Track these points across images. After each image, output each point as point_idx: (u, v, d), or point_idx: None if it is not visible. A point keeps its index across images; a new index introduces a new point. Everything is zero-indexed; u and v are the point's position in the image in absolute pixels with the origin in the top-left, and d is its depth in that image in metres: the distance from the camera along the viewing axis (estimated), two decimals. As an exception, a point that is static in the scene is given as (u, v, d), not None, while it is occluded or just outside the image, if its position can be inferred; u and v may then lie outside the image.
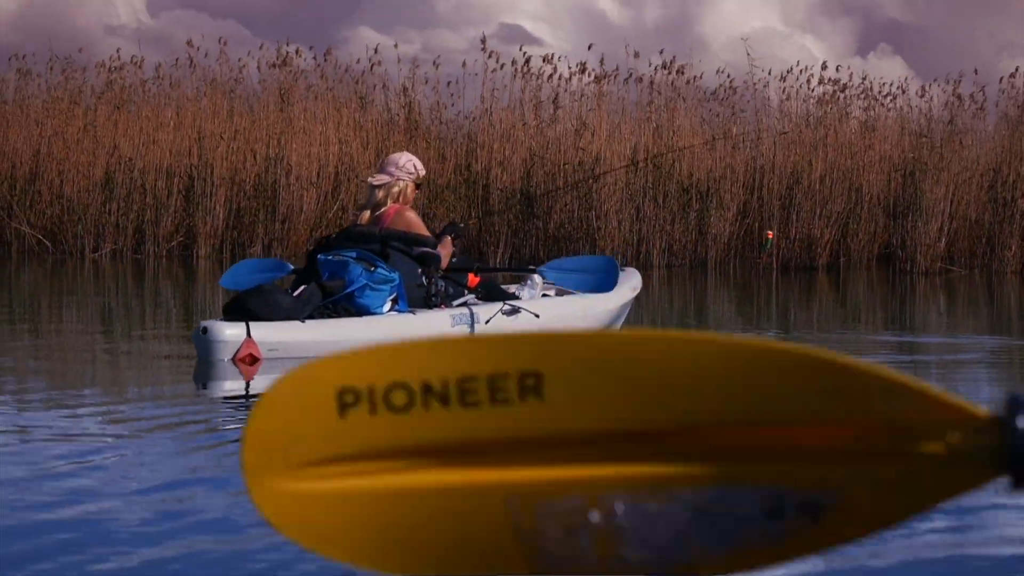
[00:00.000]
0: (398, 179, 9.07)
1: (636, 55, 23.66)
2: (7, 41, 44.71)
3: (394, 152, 9.51)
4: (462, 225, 9.56)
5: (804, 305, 16.42)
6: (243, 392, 6.99)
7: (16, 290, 16.16)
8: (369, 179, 9.21)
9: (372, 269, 8.23)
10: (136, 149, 22.55)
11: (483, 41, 23.82)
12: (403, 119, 24.41)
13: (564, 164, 22.54)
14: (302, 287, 8.13)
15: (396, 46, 25.05)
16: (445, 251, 9.17)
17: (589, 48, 24.17)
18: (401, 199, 9.06)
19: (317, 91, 23.99)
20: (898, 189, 22.59)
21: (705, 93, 23.65)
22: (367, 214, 9.03)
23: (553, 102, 23.20)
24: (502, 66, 23.60)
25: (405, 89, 24.68)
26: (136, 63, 24.21)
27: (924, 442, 1.76)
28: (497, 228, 22.72)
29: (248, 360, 7.58)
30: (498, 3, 42.55)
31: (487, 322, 8.83)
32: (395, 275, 8.35)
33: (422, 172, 9.23)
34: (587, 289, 9.17)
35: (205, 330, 7.60)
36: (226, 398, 6.90)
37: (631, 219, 22.24)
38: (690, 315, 14.37)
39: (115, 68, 24.21)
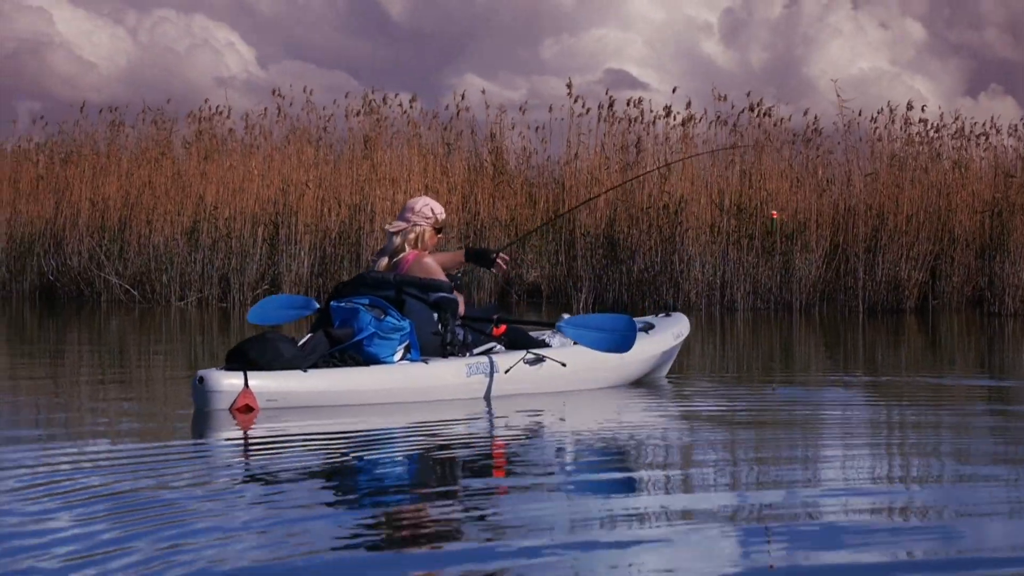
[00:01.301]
0: (415, 224, 8.93)
1: (724, 98, 23.43)
2: (120, 95, 45.51)
3: (417, 197, 9.35)
4: (459, 275, 9.18)
5: (892, 348, 16.04)
6: (238, 442, 6.83)
7: (105, 338, 16.24)
8: (387, 226, 9.07)
9: (382, 317, 8.06)
10: (222, 198, 22.72)
11: (568, 86, 23.74)
12: (490, 164, 24.39)
13: (647, 208, 22.36)
14: (308, 335, 8.00)
15: (483, 91, 25.08)
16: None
17: (673, 91, 24.05)
18: (419, 244, 8.91)
19: (405, 137, 24.03)
20: (988, 230, 22.14)
21: (793, 135, 23.34)
22: (385, 261, 8.87)
23: (635, 146, 23.04)
24: (587, 111, 23.52)
25: (492, 135, 24.68)
26: (223, 112, 24.42)
27: None
28: (580, 272, 22.58)
29: (244, 410, 7.42)
30: (604, 49, 42.50)
31: (507, 371, 8.61)
32: (405, 323, 8.15)
33: (441, 216, 9.06)
34: (603, 348, 8.85)
35: (202, 379, 7.45)
36: (208, 448, 6.76)
37: (715, 262, 22.00)
38: (776, 359, 14.08)
39: (205, 118, 24.46)
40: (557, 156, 24.34)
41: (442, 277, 8.76)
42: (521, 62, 44.72)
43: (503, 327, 8.99)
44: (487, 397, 8.53)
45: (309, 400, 7.67)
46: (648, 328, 10.20)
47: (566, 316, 9.05)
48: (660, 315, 10.90)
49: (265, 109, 24.38)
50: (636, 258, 22.30)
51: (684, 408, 8.93)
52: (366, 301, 8.17)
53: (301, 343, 7.87)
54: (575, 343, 9.07)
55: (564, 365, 8.88)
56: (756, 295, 22.12)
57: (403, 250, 8.87)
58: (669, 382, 10.16)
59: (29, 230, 24.33)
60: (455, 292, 8.93)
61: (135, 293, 22.70)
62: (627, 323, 8.83)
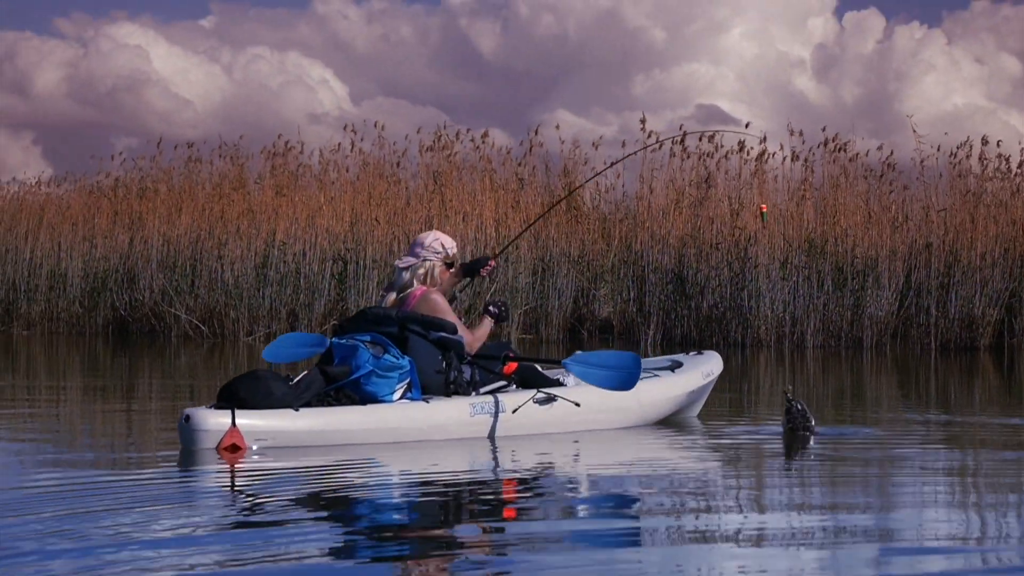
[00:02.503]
0: (424, 259, 8.69)
1: (800, 133, 23.16)
2: (215, 132, 45.94)
3: (427, 232, 9.10)
4: (502, 304, 8.92)
5: (966, 387, 15.68)
6: (223, 483, 6.71)
7: (173, 374, 16.27)
8: (396, 262, 8.87)
9: (381, 355, 7.87)
10: (292, 233, 22.78)
11: (643, 121, 23.56)
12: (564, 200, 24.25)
13: (716, 244, 22.13)
14: (303, 373, 7.84)
15: (558, 127, 24.98)
16: (480, 333, 8.70)
17: (746, 125, 23.75)
18: (428, 280, 8.67)
19: (477, 172, 23.97)
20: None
21: (868, 170, 22.99)
22: (393, 296, 8.65)
23: (706, 181, 22.82)
24: (660, 145, 23.31)
25: (566, 170, 24.56)
26: (295, 148, 24.50)
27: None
28: (649, 308, 22.38)
29: (231, 449, 7.27)
30: (695, 84, 42.27)
31: (515, 411, 8.36)
32: (405, 361, 7.94)
33: (451, 251, 8.79)
34: (607, 386, 8.54)
35: (188, 418, 7.33)
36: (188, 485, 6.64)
37: (785, 299, 21.71)
38: (847, 396, 13.79)
39: (279, 154, 24.56)
40: (633, 191, 24.19)
41: (449, 316, 8.53)
42: (613, 98, 44.61)
43: (514, 365, 8.70)
44: (492, 437, 8.28)
45: (300, 440, 7.50)
46: (676, 367, 9.95)
47: (579, 353, 8.85)
48: (692, 353, 10.61)
49: (339, 144, 24.46)
50: (705, 294, 22.06)
51: (709, 446, 8.67)
52: (368, 338, 7.98)
53: (295, 381, 7.70)
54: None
55: (578, 405, 8.59)
56: (826, 332, 21.79)
57: (411, 286, 8.65)
58: (700, 421, 9.89)
59: (104, 265, 24.53)
60: (497, 320, 8.78)
61: (204, 328, 22.79)
62: (633, 361, 8.54)
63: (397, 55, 47.57)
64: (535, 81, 47.06)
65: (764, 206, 11.83)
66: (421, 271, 8.67)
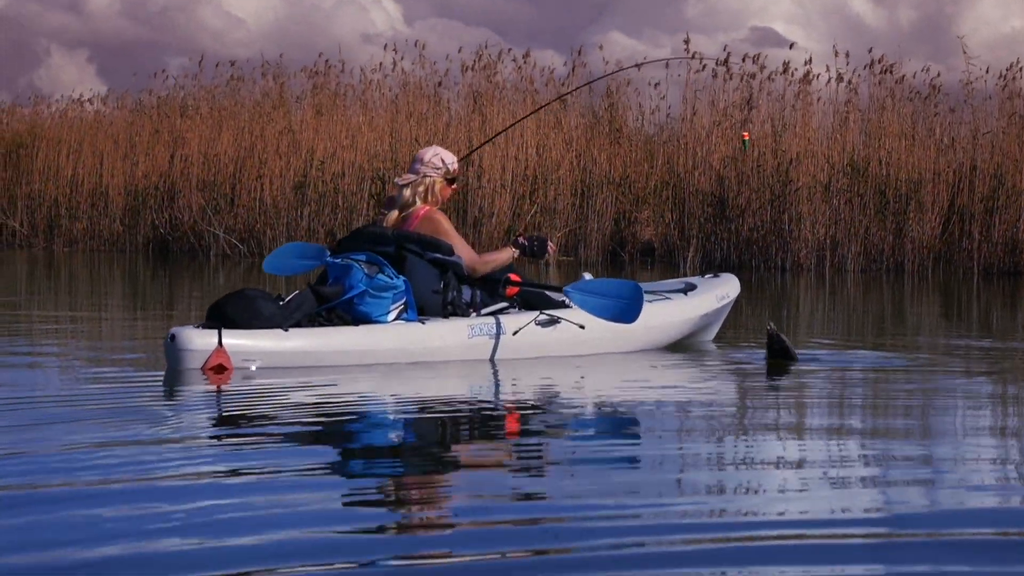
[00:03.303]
0: (424, 175, 8.43)
1: (846, 54, 22.81)
2: (267, 52, 45.87)
3: (427, 147, 8.85)
4: (536, 240, 8.59)
5: (1009, 312, 15.46)
6: (207, 403, 6.60)
7: (210, 292, 16.26)
8: (396, 179, 8.64)
9: (374, 274, 7.72)
10: (332, 153, 22.69)
11: (686, 42, 23.28)
12: (606, 121, 24.05)
13: (758, 166, 21.88)
14: (294, 293, 7.70)
15: (601, 47, 24.70)
16: (492, 258, 8.49)
17: (792, 46, 23.40)
18: (430, 197, 8.41)
19: (519, 93, 23.76)
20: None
21: (915, 93, 22.63)
22: (395, 215, 8.41)
23: (748, 103, 22.52)
24: (704, 67, 23.04)
25: (609, 91, 24.32)
26: (336, 67, 24.37)
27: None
28: (689, 231, 22.18)
29: (217, 370, 7.13)
30: (750, 6, 41.84)
31: (515, 333, 8.15)
32: (399, 281, 7.73)
33: (452, 167, 8.51)
34: (607, 316, 8.26)
35: (173, 337, 7.19)
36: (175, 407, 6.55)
37: (826, 222, 21.46)
38: (887, 321, 13.62)
39: (319, 73, 24.43)
40: (677, 113, 23.95)
41: (453, 236, 8.32)
42: (666, 20, 44.23)
43: (516, 288, 8.50)
44: (491, 360, 8.10)
45: (290, 360, 7.36)
46: (689, 289, 9.72)
47: (587, 276, 8.67)
48: (707, 276, 10.39)
49: (380, 64, 24.30)
50: (745, 217, 21.83)
51: (718, 371, 8.46)
52: (363, 257, 7.77)
53: (285, 301, 7.55)
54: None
55: (583, 328, 8.33)
56: (867, 256, 21.55)
57: (412, 203, 8.40)
58: (715, 345, 9.71)
59: (143, 184, 24.55)
60: (526, 255, 8.56)
61: (242, 247, 22.79)
62: (634, 290, 8.26)
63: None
64: (588, 3, 46.68)
65: (746, 134, 11.59)
66: (422, 188, 8.41)
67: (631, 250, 23.32)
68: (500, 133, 11.07)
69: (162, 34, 43.00)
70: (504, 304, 8.43)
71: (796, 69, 22.61)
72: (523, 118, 11.51)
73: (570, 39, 45.85)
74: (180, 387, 6.89)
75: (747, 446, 5.45)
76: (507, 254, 8.57)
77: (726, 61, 22.82)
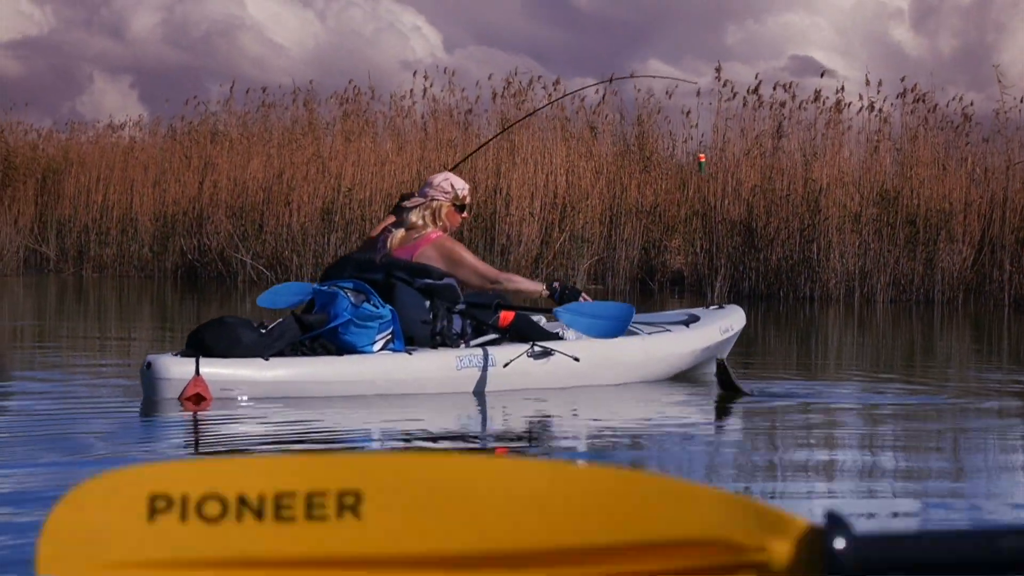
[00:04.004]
0: (432, 199, 8.31)
1: (879, 83, 22.62)
2: (307, 78, 45.97)
3: (439, 172, 8.72)
4: (570, 289, 8.30)
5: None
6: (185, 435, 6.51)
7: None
8: (404, 202, 8.48)
9: (359, 303, 7.59)
10: (360, 180, 22.64)
11: (718, 70, 23.15)
12: (636, 148, 23.93)
13: (787, 196, 21.70)
14: (278, 321, 7.58)
15: (632, 74, 24.59)
16: (518, 283, 8.36)
17: (823, 74, 23.25)
18: (436, 221, 8.28)
19: (549, 120, 23.67)
20: None
21: (948, 122, 22.41)
22: (400, 234, 8.25)
23: (777, 131, 22.35)
24: (734, 95, 22.91)
25: (640, 119, 24.21)
26: (364, 95, 24.35)
27: (749, 554, 1.73)
28: (717, 261, 22.01)
29: (195, 400, 6.98)
30: (789, 35, 41.69)
31: (506, 365, 7.92)
32: (385, 311, 7.57)
33: (461, 193, 8.37)
34: (594, 333, 8.08)
35: (149, 365, 7.06)
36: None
37: (856, 252, 21.26)
38: (917, 352, 13.44)
39: (349, 100, 24.42)
40: (709, 142, 23.79)
41: (466, 260, 8.18)
42: (706, 47, 44.15)
43: (509, 317, 8.27)
44: (480, 392, 7.89)
45: (270, 391, 7.20)
46: (691, 321, 9.58)
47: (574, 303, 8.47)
48: (712, 307, 10.21)
49: (410, 90, 24.26)
50: (774, 246, 21.66)
51: (718, 404, 8.23)
52: (350, 285, 7.63)
53: (268, 329, 7.43)
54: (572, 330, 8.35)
55: (577, 360, 8.11)
56: (897, 287, 21.32)
57: (417, 226, 8.26)
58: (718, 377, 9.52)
59: (173, 210, 24.58)
60: (537, 283, 8.38)
61: (268, 274, 22.77)
62: (625, 311, 8.12)
63: (490, 3, 47.34)
64: (628, 30, 46.65)
65: (702, 155, 11.41)
66: (428, 211, 8.29)
67: (660, 279, 23.17)
68: (469, 156, 10.96)
69: (204, 60, 43.21)
70: (496, 336, 8.24)
71: (827, 97, 22.46)
72: (488, 141, 11.42)
73: (609, 67, 45.72)
74: (153, 416, 6.80)
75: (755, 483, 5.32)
76: (536, 287, 8.43)
77: (757, 89, 22.69)
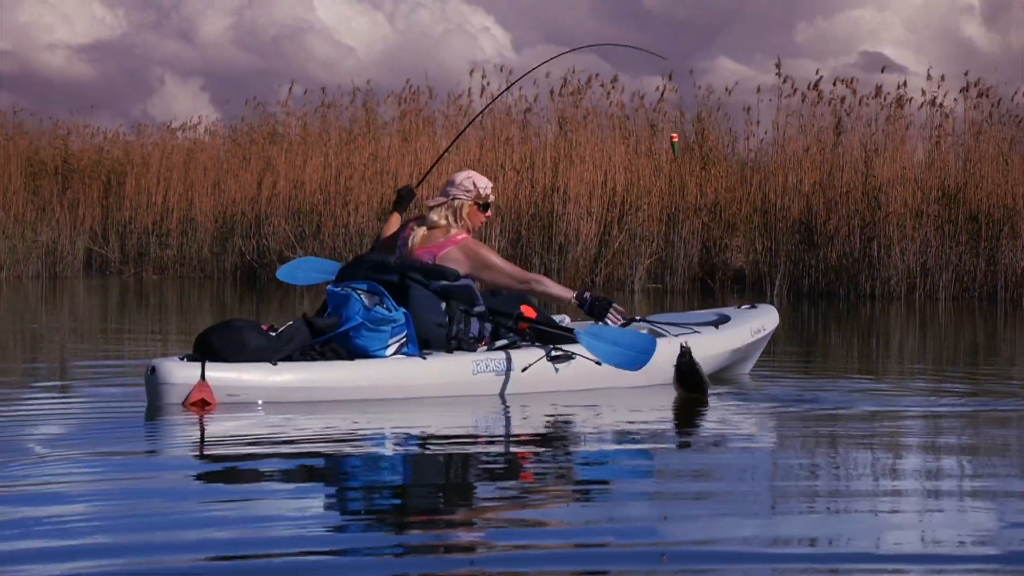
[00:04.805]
0: (454, 197, 8.14)
1: (941, 78, 22.25)
2: (377, 80, 46.09)
3: (461, 171, 8.56)
4: (603, 301, 8.07)
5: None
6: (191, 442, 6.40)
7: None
8: (427, 201, 8.35)
9: (372, 306, 7.43)
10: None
11: (777, 66, 22.87)
12: (697, 146, 23.70)
13: (847, 192, 21.41)
14: (288, 323, 7.46)
15: (692, 71, 24.38)
16: (549, 286, 8.13)
17: (884, 69, 22.91)
18: (457, 219, 8.11)
19: (608, 119, 23.49)
20: None
21: (1013, 117, 22.01)
22: (421, 233, 8.09)
23: (836, 128, 22.05)
24: (795, 91, 22.63)
25: (700, 116, 23.98)
26: (423, 93, 24.27)
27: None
28: (775, 259, 21.75)
29: (200, 405, 6.89)
30: (859, 31, 41.24)
31: (524, 369, 7.75)
32: (399, 314, 7.42)
33: (484, 192, 8.18)
34: (613, 362, 7.82)
35: (153, 370, 6.95)
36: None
37: (917, 249, 20.93)
38: (980, 351, 13.18)
39: (405, 99, 24.36)
40: (770, 138, 23.55)
41: (493, 263, 7.98)
42: (774, 45, 43.76)
43: (527, 324, 8.08)
44: (498, 397, 7.73)
45: (278, 396, 7.08)
46: (721, 321, 9.34)
47: (593, 327, 8.19)
48: (744, 307, 9.96)
49: (468, 89, 24.16)
50: (834, 244, 21.37)
51: (748, 407, 7.94)
52: (364, 287, 7.49)
53: (277, 332, 7.29)
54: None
55: (600, 363, 7.88)
56: (959, 284, 20.97)
57: (438, 226, 8.10)
58: (751, 379, 9.30)
59: (232, 211, 24.61)
60: (569, 291, 8.11)
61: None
62: (648, 343, 7.83)
63: (559, 2, 47.17)
64: (696, 28, 46.33)
65: (675, 136, 11.09)
66: (449, 210, 8.14)
67: (721, 277, 22.94)
68: (443, 154, 10.80)
69: (273, 63, 43.31)
70: (515, 339, 8.06)
71: (888, 93, 22.14)
72: (455, 140, 11.24)
73: (677, 66, 45.43)
74: (157, 421, 6.71)
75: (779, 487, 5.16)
76: (566, 293, 8.19)
77: (817, 85, 22.40)
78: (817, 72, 22.84)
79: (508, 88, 12.45)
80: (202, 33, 44.74)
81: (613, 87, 23.57)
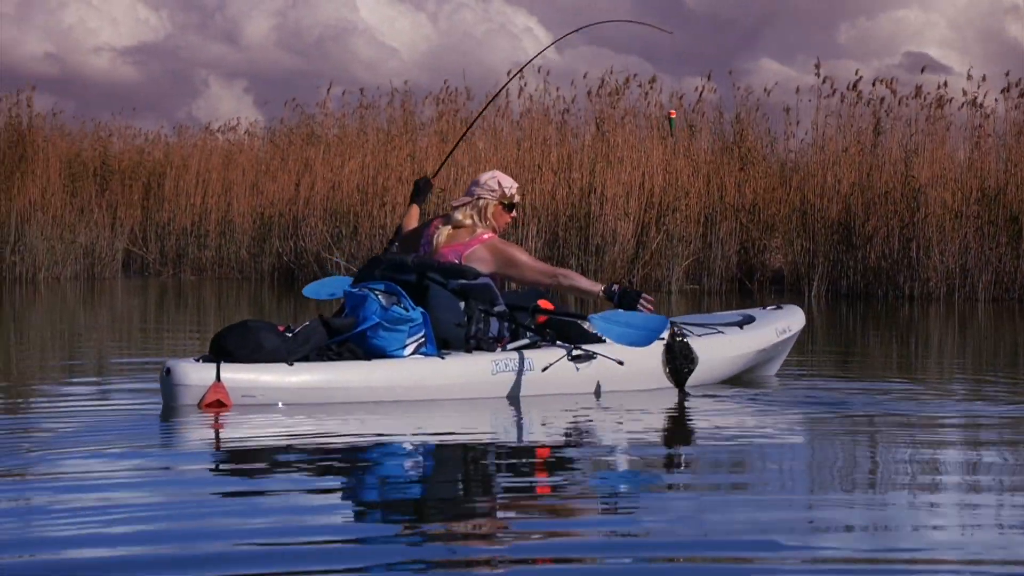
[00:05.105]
0: (479, 197, 8.10)
1: (982, 78, 22.08)
2: (420, 80, 46.08)
3: (487, 171, 8.51)
4: (633, 295, 7.91)
5: None
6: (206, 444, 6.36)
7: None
8: (452, 201, 8.32)
9: (389, 306, 7.37)
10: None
11: (817, 67, 22.74)
12: (736, 146, 23.60)
13: (886, 193, 21.26)
14: (304, 324, 7.41)
15: (731, 71, 24.24)
16: (575, 279, 8.01)
17: (924, 69, 22.73)
18: (482, 219, 8.06)
19: (645, 118, 23.41)
20: None
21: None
22: (446, 232, 8.05)
23: (875, 128, 21.90)
24: (834, 91, 22.50)
25: (739, 116, 23.88)
26: (460, 95, 24.24)
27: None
28: (814, 259, 21.62)
29: (215, 406, 6.83)
30: (903, 31, 41.00)
31: (545, 369, 7.66)
32: (416, 313, 7.34)
33: (509, 192, 8.12)
34: (625, 342, 7.71)
35: (168, 371, 6.91)
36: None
37: (956, 250, 20.76)
38: (1021, 353, 13.05)
39: (443, 100, 24.34)
40: (810, 139, 23.43)
41: (520, 259, 7.90)
42: (818, 46, 43.55)
43: (544, 317, 7.96)
44: (517, 398, 7.64)
45: (293, 397, 7.03)
46: (746, 322, 9.24)
47: (609, 312, 8.10)
48: (770, 307, 9.85)
49: (506, 91, 24.09)
50: (873, 245, 21.22)
51: (772, 409, 7.77)
52: (381, 287, 7.43)
53: (294, 332, 7.24)
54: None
55: (622, 363, 7.80)
56: (999, 285, 20.79)
57: (464, 226, 8.06)
58: (778, 380, 9.17)
59: (270, 212, 24.66)
60: (597, 285, 8.00)
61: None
62: (660, 323, 7.78)
63: (601, 2, 47.09)
64: (739, 29, 46.20)
65: (672, 112, 10.93)
66: (473, 210, 8.10)
67: (760, 278, 22.83)
68: (457, 144, 10.75)
69: (317, 64, 43.42)
70: (536, 339, 7.97)
71: (928, 93, 21.97)
72: (462, 136, 11.18)
73: (720, 66, 45.26)
74: (173, 423, 6.68)
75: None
76: (594, 286, 8.08)
77: (856, 86, 22.27)
78: (856, 72, 22.71)
79: (509, 82, 12.39)
80: (246, 35, 44.93)
81: (651, 87, 23.48)
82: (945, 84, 22.16)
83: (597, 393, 7.88)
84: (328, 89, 25.58)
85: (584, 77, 23.92)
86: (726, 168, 23.08)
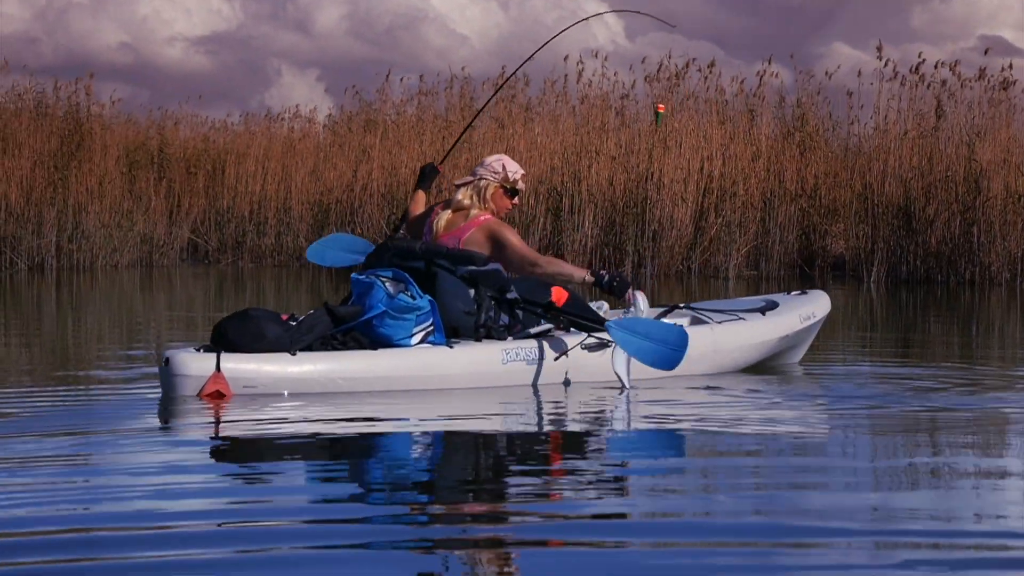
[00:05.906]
0: (480, 178, 7.96)
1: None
2: (490, 67, 45.99)
3: (493, 154, 8.39)
4: (617, 278, 7.78)
5: None
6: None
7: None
8: (455, 181, 8.19)
9: (395, 293, 7.22)
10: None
11: (879, 49, 22.41)
12: (797, 131, 23.32)
13: (948, 177, 20.92)
14: (308, 312, 7.29)
15: (792, 55, 23.96)
16: (561, 266, 7.81)
17: (987, 51, 22.35)
18: (482, 200, 7.92)
19: (703, 103, 23.20)
20: None
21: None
22: (447, 216, 7.93)
23: (936, 110, 21.54)
24: (896, 74, 22.16)
25: (800, 100, 23.61)
26: (518, 81, 24.09)
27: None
28: (875, 244, 21.32)
29: (215, 396, 6.74)
30: (977, 14, 40.45)
31: (557, 358, 7.52)
32: (423, 301, 7.20)
33: (512, 176, 7.98)
34: (645, 360, 7.51)
35: (167, 361, 6.82)
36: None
37: (1019, 235, 20.41)
38: None
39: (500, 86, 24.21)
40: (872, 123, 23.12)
41: (512, 242, 7.74)
42: (891, 30, 43.08)
43: (562, 299, 7.83)
44: (529, 387, 7.48)
45: (297, 387, 6.92)
46: (769, 308, 8.99)
47: (639, 295, 7.91)
48: (794, 293, 9.59)
49: (564, 76, 23.96)
50: (934, 229, 20.90)
51: (792, 399, 7.55)
52: (389, 274, 7.28)
53: (297, 321, 7.12)
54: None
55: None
56: (1063, 270, 20.47)
57: (463, 207, 7.94)
58: (801, 369, 8.94)
59: (327, 199, 24.64)
60: (583, 270, 7.79)
61: (418, 263, 22.72)
62: (679, 337, 7.54)
63: (671, -10, 46.85)
64: (811, 13, 45.76)
65: (661, 105, 10.67)
66: (473, 190, 7.96)
67: (821, 264, 22.56)
68: (466, 129, 10.60)
69: (388, 53, 43.41)
70: (549, 327, 7.82)
71: (992, 76, 21.60)
72: (471, 121, 11.02)
73: (792, 50, 44.83)
74: (171, 414, 6.60)
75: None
76: (579, 272, 7.88)
77: (918, 68, 21.93)
78: (919, 55, 22.37)
79: (514, 73, 12.22)
80: (318, 24, 45.01)
81: (711, 71, 23.25)
82: (1010, 67, 21.77)
83: (619, 382, 7.69)
84: (387, 76, 25.52)
85: (643, 62, 23.75)
86: (787, 153, 22.81)
